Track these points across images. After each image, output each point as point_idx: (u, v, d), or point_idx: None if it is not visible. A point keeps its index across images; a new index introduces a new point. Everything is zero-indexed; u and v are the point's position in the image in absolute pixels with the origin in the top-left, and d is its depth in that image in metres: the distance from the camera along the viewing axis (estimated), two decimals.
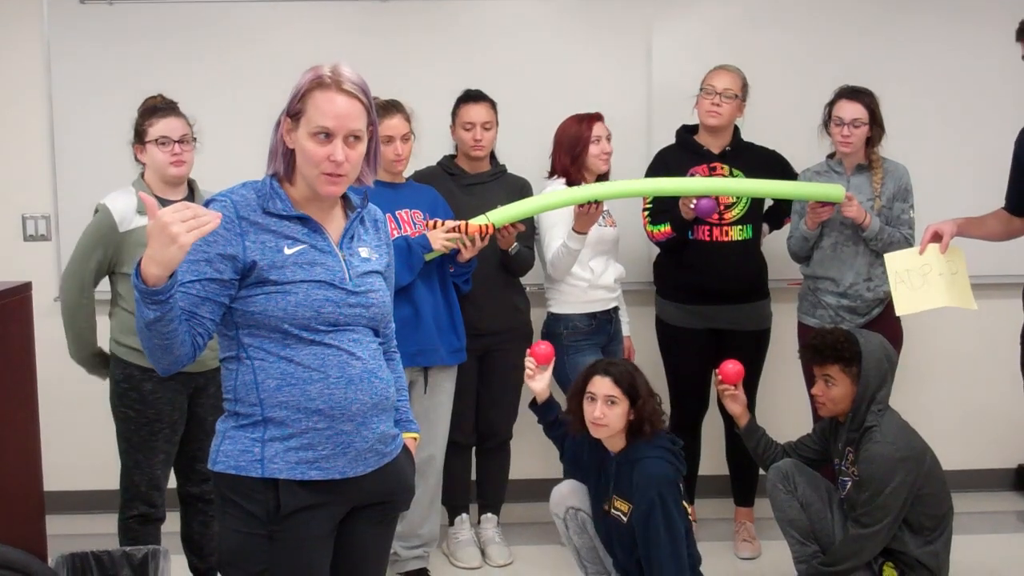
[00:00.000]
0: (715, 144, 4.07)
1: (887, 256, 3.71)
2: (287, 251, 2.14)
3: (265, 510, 2.14)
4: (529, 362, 3.55)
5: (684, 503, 3.25)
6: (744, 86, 4.02)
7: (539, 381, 3.53)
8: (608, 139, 4.00)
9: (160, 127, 3.31)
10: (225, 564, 2.20)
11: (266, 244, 2.14)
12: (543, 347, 3.58)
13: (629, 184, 3.96)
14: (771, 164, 4.08)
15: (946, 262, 3.61)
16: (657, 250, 4.22)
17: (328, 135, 2.13)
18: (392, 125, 3.65)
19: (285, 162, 2.21)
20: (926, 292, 3.61)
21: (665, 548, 3.15)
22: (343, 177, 2.17)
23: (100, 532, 3.87)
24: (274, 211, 2.17)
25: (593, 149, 3.97)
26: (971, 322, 4.42)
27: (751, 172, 3.99)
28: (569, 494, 3.52)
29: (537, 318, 4.15)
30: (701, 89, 4.02)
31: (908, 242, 3.93)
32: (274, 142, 2.22)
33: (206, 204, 2.13)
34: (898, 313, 3.66)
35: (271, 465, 2.13)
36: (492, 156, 4.11)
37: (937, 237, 3.61)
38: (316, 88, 2.14)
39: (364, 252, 2.28)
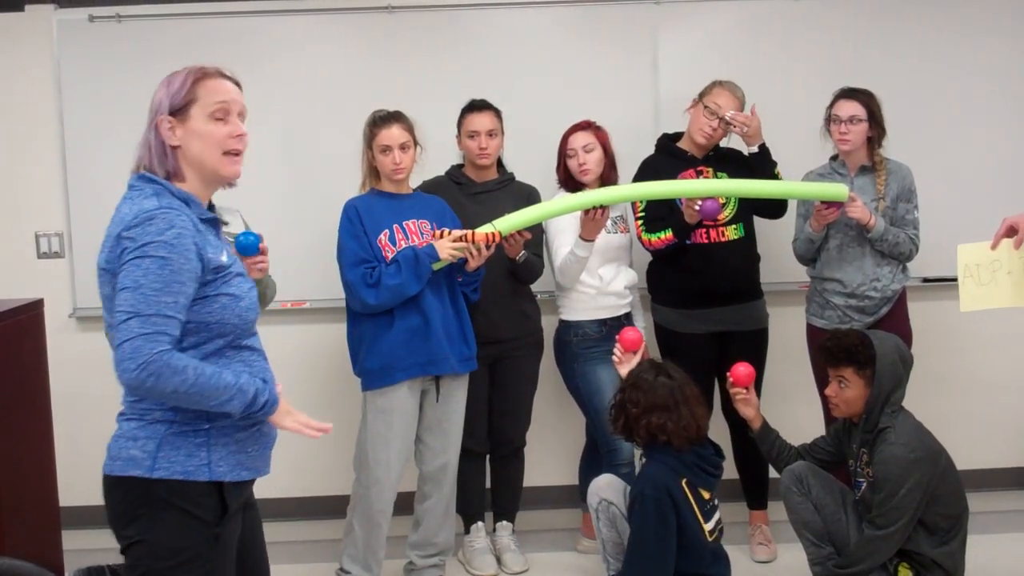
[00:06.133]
0: (698, 150, 4.08)
1: (959, 248, 3.56)
2: (223, 258, 2.21)
3: (214, 514, 2.18)
4: (617, 348, 3.58)
5: (700, 517, 3.24)
6: (742, 107, 4.03)
7: (627, 368, 3.53)
8: (589, 150, 3.96)
9: None
10: (171, 570, 2.15)
11: (215, 251, 2.19)
12: (631, 333, 3.59)
13: (633, 188, 3.94)
14: (750, 165, 4.07)
15: (1019, 258, 3.45)
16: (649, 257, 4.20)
17: (225, 113, 2.22)
18: (388, 135, 3.66)
19: (173, 161, 2.22)
20: (992, 290, 3.49)
21: (636, 546, 3.18)
22: (241, 156, 2.26)
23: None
24: (198, 215, 2.21)
25: (570, 163, 3.99)
26: (985, 320, 4.39)
27: (735, 174, 3.99)
28: (605, 486, 3.53)
29: (549, 325, 4.16)
30: (704, 104, 4.00)
31: (913, 243, 3.92)
32: (155, 146, 2.23)
33: (146, 216, 2.10)
34: (962, 310, 3.53)
35: (218, 468, 2.18)
36: (500, 164, 4.12)
37: (1012, 231, 3.44)
38: (202, 78, 2.23)
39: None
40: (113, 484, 2.18)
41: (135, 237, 2.07)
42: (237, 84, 2.29)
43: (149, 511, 2.14)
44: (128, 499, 2.16)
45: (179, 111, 2.20)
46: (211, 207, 2.32)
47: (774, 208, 4.13)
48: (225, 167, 2.23)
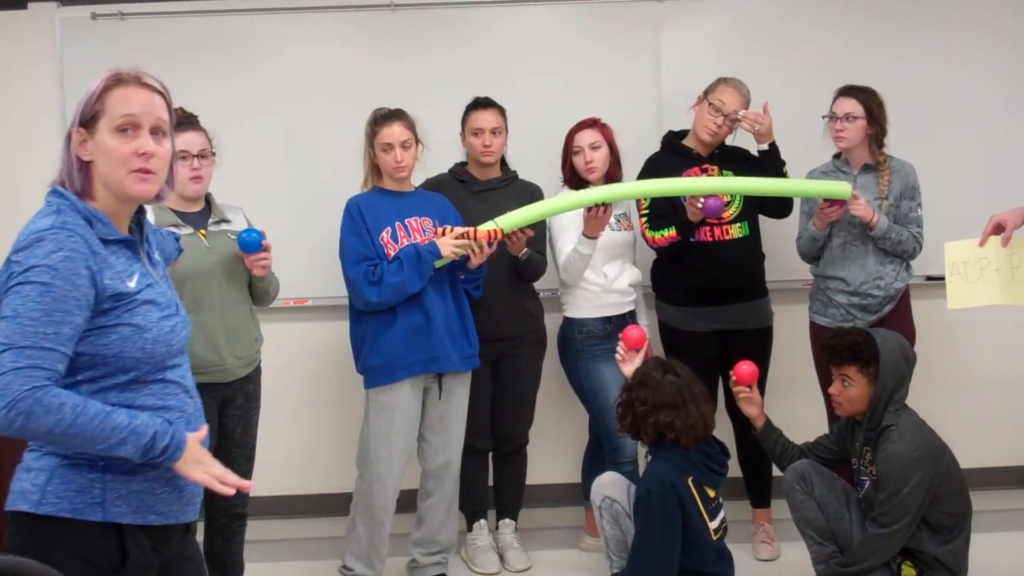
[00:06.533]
0: (703, 147, 4.07)
1: (947, 245, 3.58)
2: (130, 284, 1.99)
3: (108, 559, 1.97)
4: (620, 346, 3.57)
5: (705, 515, 3.23)
6: (747, 104, 4.02)
7: (630, 366, 3.51)
8: (595, 147, 3.96)
9: (179, 142, 3.26)
10: None
11: (117, 277, 1.98)
12: (634, 331, 3.58)
13: (636, 185, 3.94)
14: (757, 163, 4.06)
15: (1007, 255, 3.47)
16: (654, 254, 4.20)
17: (133, 127, 1.98)
18: (389, 133, 3.66)
19: (83, 177, 2.01)
20: (980, 287, 3.50)
21: (641, 544, 3.18)
22: (154, 174, 2.01)
23: None
24: (103, 236, 1.98)
25: (577, 161, 3.99)
26: (988, 317, 4.40)
27: (740, 172, 3.98)
28: (609, 484, 3.53)
29: (552, 323, 4.16)
30: (708, 101, 3.99)
31: (917, 241, 3.92)
32: (67, 160, 2.02)
33: (36, 237, 1.92)
34: (950, 307, 3.56)
35: (114, 508, 1.96)
36: (503, 162, 4.12)
37: (999, 228, 3.47)
38: (115, 86, 1.99)
39: (160, 270, 2.16)
40: (8, 519, 1.98)
41: (21, 260, 1.90)
42: (162, 93, 2.04)
43: (41, 552, 1.90)
44: (20, 536, 1.97)
45: (88, 123, 1.99)
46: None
47: (779, 207, 4.12)
48: (133, 185, 1.99)
